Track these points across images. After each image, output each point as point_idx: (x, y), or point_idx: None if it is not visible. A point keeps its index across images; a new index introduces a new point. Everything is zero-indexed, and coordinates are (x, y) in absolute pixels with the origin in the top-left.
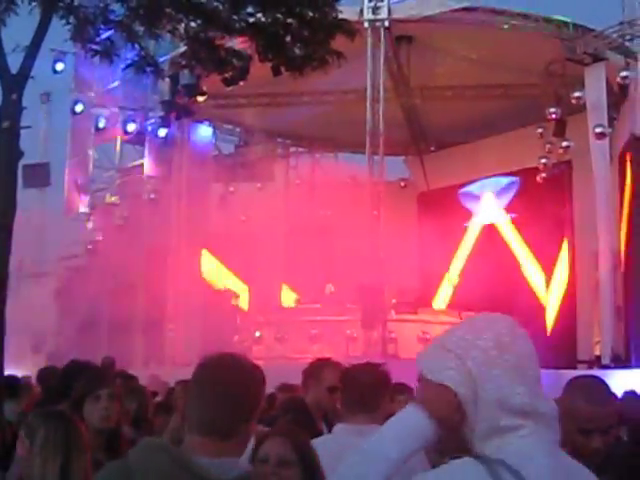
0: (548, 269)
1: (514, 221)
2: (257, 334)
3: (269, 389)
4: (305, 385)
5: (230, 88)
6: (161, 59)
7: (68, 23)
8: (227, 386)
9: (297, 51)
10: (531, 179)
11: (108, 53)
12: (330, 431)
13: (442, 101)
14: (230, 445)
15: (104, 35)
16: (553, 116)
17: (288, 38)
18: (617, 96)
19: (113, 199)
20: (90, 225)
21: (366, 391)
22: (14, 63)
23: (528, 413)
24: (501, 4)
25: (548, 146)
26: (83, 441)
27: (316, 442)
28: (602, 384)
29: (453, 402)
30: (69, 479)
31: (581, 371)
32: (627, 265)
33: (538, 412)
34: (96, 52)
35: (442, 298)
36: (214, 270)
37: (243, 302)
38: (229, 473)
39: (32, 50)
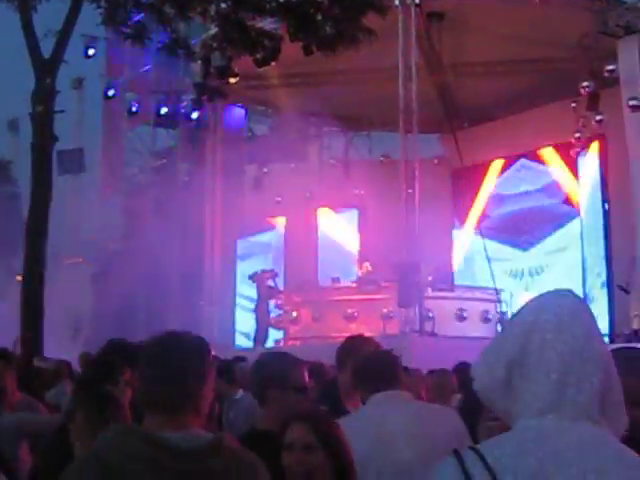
0: None
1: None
2: (294, 314)
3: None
4: (338, 366)
5: (262, 69)
6: (192, 41)
7: (99, 7)
8: (169, 365)
9: (328, 30)
10: (565, 153)
11: (140, 36)
12: None
13: (474, 77)
14: (183, 420)
15: (135, 19)
16: (586, 90)
17: (319, 17)
18: None
19: (148, 182)
20: (125, 209)
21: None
22: (46, 48)
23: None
24: None
25: (582, 120)
26: (124, 420)
27: (347, 420)
28: None
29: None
30: None
31: (619, 344)
32: None
33: (563, 404)
34: (128, 36)
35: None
36: None
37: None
38: (197, 441)
39: (64, 35)
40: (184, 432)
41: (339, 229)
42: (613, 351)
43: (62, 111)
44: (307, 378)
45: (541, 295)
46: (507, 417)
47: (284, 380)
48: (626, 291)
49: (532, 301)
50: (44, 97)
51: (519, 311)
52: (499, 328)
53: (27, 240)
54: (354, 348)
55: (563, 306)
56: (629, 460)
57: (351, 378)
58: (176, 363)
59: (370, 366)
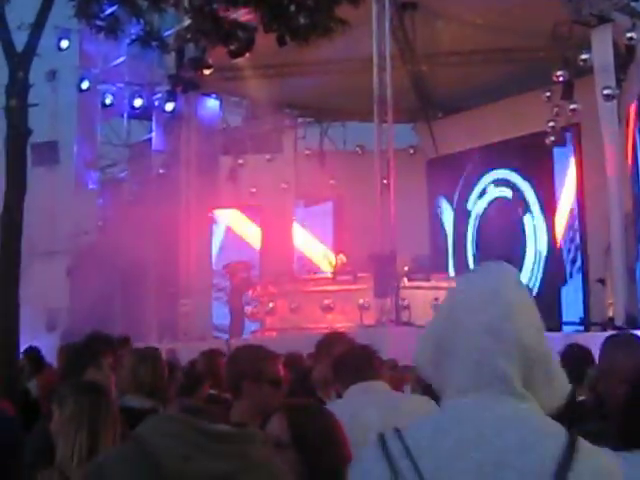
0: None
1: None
2: (270, 305)
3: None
4: (316, 358)
5: (236, 60)
6: (166, 33)
7: None
8: None
9: (301, 20)
10: (540, 143)
11: (113, 29)
12: None
13: (448, 67)
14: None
15: (108, 11)
16: (560, 79)
17: (292, 7)
18: (624, 57)
19: (123, 174)
20: (100, 202)
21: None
22: (19, 41)
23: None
24: None
25: (556, 109)
26: (112, 413)
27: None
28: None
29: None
30: (98, 449)
31: (595, 333)
32: (638, 227)
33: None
34: (101, 28)
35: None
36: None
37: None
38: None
39: (37, 27)
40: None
41: (314, 220)
42: (606, 337)
43: (36, 104)
44: (282, 372)
45: (472, 271)
46: (435, 386)
47: (259, 373)
48: (603, 282)
49: (463, 277)
50: (17, 90)
51: (452, 287)
52: None
53: (1, 235)
54: (331, 342)
55: (486, 284)
56: (549, 431)
57: (330, 373)
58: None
59: (347, 360)
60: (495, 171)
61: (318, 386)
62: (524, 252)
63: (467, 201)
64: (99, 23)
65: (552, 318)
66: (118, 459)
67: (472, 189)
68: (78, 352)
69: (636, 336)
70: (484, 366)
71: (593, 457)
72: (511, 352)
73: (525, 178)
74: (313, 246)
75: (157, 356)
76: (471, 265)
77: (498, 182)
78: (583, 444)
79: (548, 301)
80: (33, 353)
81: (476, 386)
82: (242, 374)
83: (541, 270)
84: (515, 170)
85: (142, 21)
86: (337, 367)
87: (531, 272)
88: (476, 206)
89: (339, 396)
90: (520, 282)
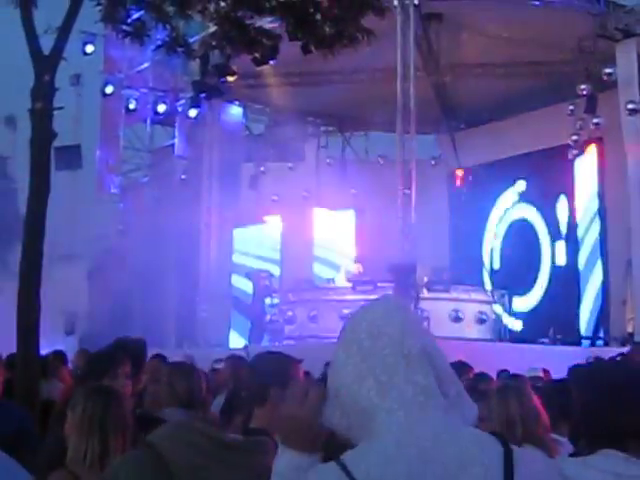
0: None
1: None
2: (289, 313)
3: (305, 368)
4: None
5: (260, 68)
6: (191, 39)
7: (99, 4)
8: None
9: (327, 29)
10: (562, 156)
11: (139, 34)
12: None
13: (472, 79)
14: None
15: (135, 16)
16: (584, 93)
17: (318, 16)
18: None
19: (145, 180)
20: (121, 206)
21: None
22: (46, 45)
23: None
24: None
25: (579, 123)
26: (123, 417)
27: None
28: None
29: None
30: (109, 453)
31: (613, 348)
32: None
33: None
34: (127, 33)
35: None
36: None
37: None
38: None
39: (64, 31)
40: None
41: (335, 229)
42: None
43: (61, 108)
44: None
45: (360, 307)
46: (352, 435)
47: (286, 380)
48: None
49: (352, 316)
50: (43, 94)
51: (351, 318)
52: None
53: (25, 237)
54: None
55: (376, 311)
56: (485, 441)
57: None
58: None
59: None
60: (516, 186)
61: None
62: (539, 267)
63: (489, 216)
64: (125, 28)
65: (571, 333)
66: (135, 467)
67: (493, 203)
68: (96, 360)
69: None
70: (397, 386)
71: (531, 463)
72: (420, 367)
73: (544, 194)
74: (333, 255)
75: (192, 369)
76: (487, 282)
77: (520, 199)
78: (518, 452)
79: (567, 316)
80: (59, 356)
81: (400, 406)
82: (269, 381)
83: (559, 285)
84: (535, 186)
85: (168, 27)
86: None
87: (547, 287)
88: (499, 225)
89: None
90: (405, 306)
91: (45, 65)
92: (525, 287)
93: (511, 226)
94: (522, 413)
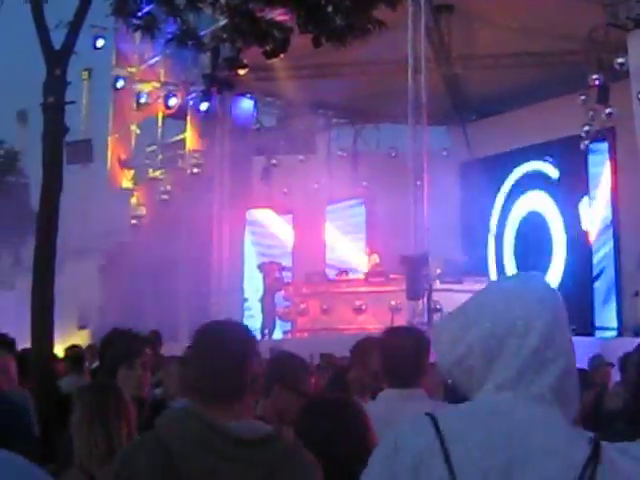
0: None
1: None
2: (302, 306)
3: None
4: (351, 364)
5: (271, 60)
6: (202, 33)
7: None
8: (226, 357)
9: (338, 21)
10: (574, 146)
11: (149, 27)
12: None
13: (483, 70)
14: (238, 409)
15: (145, 9)
16: (596, 83)
17: (329, 8)
18: None
19: (157, 174)
20: (134, 200)
21: (406, 359)
22: (57, 39)
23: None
24: None
25: (591, 113)
26: (124, 410)
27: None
28: None
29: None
30: (114, 448)
31: (626, 338)
32: None
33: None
34: (138, 27)
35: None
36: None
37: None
38: (257, 432)
39: (75, 26)
40: (243, 421)
41: (347, 220)
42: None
43: (73, 102)
44: (312, 386)
45: (512, 279)
46: (462, 388)
47: (292, 382)
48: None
49: (502, 285)
50: (55, 88)
51: (488, 293)
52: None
53: (37, 231)
54: (367, 348)
55: (533, 295)
56: (575, 439)
57: (367, 377)
58: (233, 355)
59: (390, 357)
60: (528, 164)
61: (355, 390)
62: (551, 257)
63: (503, 207)
64: (136, 22)
65: (584, 324)
66: (147, 467)
67: (504, 187)
68: (111, 352)
69: None
70: (527, 371)
71: (615, 468)
72: (556, 360)
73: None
74: (345, 246)
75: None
76: (508, 271)
77: (531, 179)
78: (607, 455)
79: (581, 306)
80: (76, 350)
81: (514, 386)
82: (276, 378)
83: (572, 274)
84: (550, 162)
85: (179, 20)
86: (382, 367)
87: (560, 278)
88: (511, 215)
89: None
90: (558, 295)
91: (56, 60)
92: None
93: (523, 217)
94: None
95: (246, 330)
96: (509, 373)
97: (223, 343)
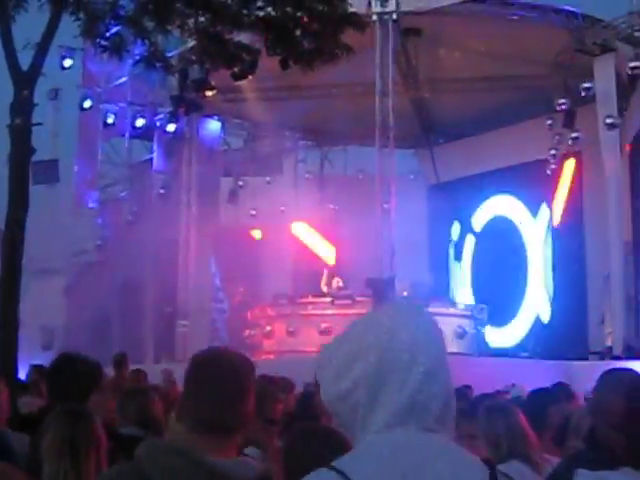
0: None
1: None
2: (267, 328)
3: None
4: (317, 387)
5: (238, 82)
6: (170, 54)
7: (78, 19)
8: (227, 387)
9: (306, 45)
10: (540, 171)
11: (118, 49)
12: None
13: (451, 94)
14: (233, 441)
15: (113, 30)
16: (562, 107)
17: (298, 32)
18: (626, 87)
19: (123, 194)
20: (99, 221)
21: None
22: (24, 60)
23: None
24: None
25: (557, 137)
26: (94, 437)
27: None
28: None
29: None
30: (82, 475)
31: (593, 362)
32: (637, 255)
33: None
34: (105, 48)
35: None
36: None
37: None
38: (249, 473)
39: (43, 47)
40: (235, 459)
41: (313, 244)
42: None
43: (40, 124)
44: (279, 413)
45: (395, 310)
46: (347, 429)
47: (259, 410)
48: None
49: (385, 316)
50: (22, 109)
51: (373, 323)
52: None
53: (3, 252)
54: None
55: (418, 326)
56: (473, 462)
57: None
58: (234, 385)
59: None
60: (493, 199)
61: (322, 414)
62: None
63: (467, 230)
64: (104, 43)
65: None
66: None
67: (471, 216)
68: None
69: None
70: (417, 405)
71: None
72: (440, 389)
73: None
74: (312, 267)
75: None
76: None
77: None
78: (501, 476)
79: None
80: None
81: (404, 422)
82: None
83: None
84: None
85: (147, 42)
86: None
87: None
88: (474, 237)
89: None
90: (438, 325)
91: (24, 81)
92: (505, 307)
93: (491, 237)
94: (507, 432)
95: (245, 359)
96: (396, 408)
97: (225, 375)
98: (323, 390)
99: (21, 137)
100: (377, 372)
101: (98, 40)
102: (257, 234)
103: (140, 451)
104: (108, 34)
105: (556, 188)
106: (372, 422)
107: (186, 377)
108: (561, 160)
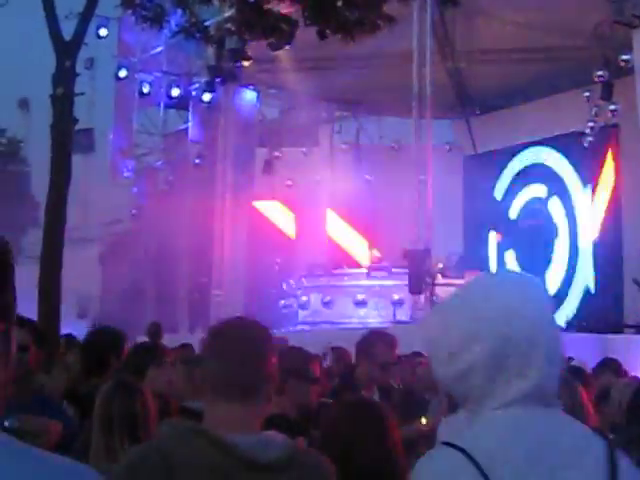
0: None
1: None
2: (303, 299)
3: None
4: (357, 358)
5: (275, 52)
6: (207, 23)
7: None
8: (248, 346)
9: (348, 15)
10: (578, 142)
11: (158, 18)
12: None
13: (488, 64)
14: (254, 407)
15: (153, 1)
16: (600, 79)
17: (339, 3)
18: None
19: (157, 164)
20: (134, 190)
21: None
22: (65, 30)
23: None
24: None
25: (595, 109)
26: (145, 414)
27: None
28: None
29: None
30: (115, 450)
31: (628, 335)
32: None
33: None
34: (146, 18)
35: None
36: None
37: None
38: (271, 453)
39: (85, 17)
40: (258, 436)
41: (349, 215)
42: None
43: (82, 93)
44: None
45: (508, 287)
46: (460, 400)
47: (304, 373)
48: (638, 283)
49: (502, 289)
50: (64, 79)
51: (485, 304)
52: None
53: (46, 221)
54: (371, 342)
55: (534, 310)
56: (590, 435)
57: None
58: (249, 345)
59: None
60: (529, 150)
61: (362, 386)
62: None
63: (504, 199)
64: (144, 13)
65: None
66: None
67: (503, 178)
68: (141, 350)
69: None
70: (541, 387)
71: (625, 455)
72: (558, 373)
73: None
74: (348, 239)
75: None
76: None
77: (533, 172)
78: (615, 446)
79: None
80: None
81: (524, 401)
82: (288, 373)
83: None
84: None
85: (187, 12)
86: None
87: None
88: (512, 207)
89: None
90: (551, 298)
91: (66, 50)
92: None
93: (524, 210)
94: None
95: (263, 327)
96: (515, 391)
97: (241, 337)
98: (435, 368)
99: (63, 107)
100: (494, 357)
101: (139, 10)
102: (290, 226)
103: (161, 431)
104: (149, 4)
105: (596, 164)
106: (490, 401)
107: (204, 346)
108: (599, 133)
